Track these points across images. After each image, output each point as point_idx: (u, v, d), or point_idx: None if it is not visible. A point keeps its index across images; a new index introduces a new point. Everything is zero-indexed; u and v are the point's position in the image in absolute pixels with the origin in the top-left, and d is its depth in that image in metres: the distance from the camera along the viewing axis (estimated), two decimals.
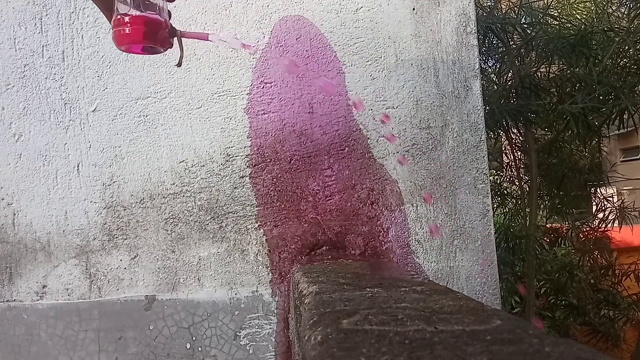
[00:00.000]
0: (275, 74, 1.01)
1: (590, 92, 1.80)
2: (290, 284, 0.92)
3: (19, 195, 1.00)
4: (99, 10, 0.65)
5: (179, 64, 0.69)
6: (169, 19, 0.65)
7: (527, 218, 2.21)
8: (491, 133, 2.21)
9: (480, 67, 1.09)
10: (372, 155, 1.02)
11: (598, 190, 2.63)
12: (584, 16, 2.18)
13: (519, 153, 2.51)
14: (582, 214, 2.61)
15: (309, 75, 1.01)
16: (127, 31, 0.59)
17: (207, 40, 0.70)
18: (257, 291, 0.99)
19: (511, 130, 2.30)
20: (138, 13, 0.59)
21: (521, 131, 2.25)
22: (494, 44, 2.27)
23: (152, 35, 0.60)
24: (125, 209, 1.00)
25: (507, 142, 2.51)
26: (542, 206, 2.52)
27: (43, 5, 1.01)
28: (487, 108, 1.91)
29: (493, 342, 0.31)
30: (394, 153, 1.03)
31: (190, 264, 1.00)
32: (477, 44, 1.06)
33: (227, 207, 1.00)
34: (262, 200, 1.00)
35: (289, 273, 0.98)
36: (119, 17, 0.59)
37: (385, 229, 1.01)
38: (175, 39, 0.66)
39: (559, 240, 2.56)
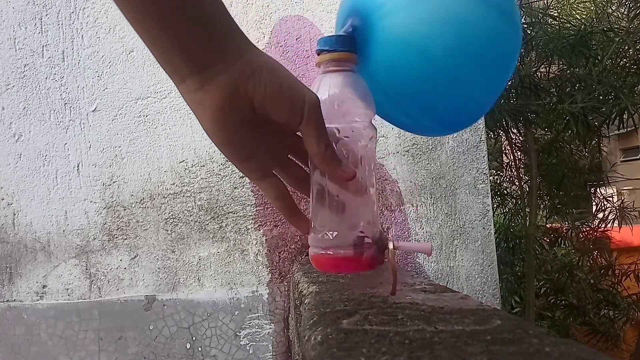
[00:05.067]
0: None
1: (590, 92, 1.80)
2: (290, 284, 0.92)
3: (19, 195, 1.00)
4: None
5: (392, 292, 0.46)
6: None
7: (527, 218, 2.21)
8: (491, 133, 2.21)
9: None
10: None
11: (598, 190, 2.63)
12: (584, 16, 2.17)
13: (519, 153, 2.50)
14: (582, 214, 2.60)
15: (309, 75, 1.01)
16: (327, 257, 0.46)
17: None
18: (257, 291, 0.99)
19: (511, 130, 2.30)
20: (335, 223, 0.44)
21: (521, 131, 2.25)
22: None
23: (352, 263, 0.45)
24: (125, 209, 1.00)
25: (507, 142, 2.50)
26: (542, 206, 2.52)
27: (43, 5, 1.01)
28: None
29: (493, 342, 0.31)
30: (394, 153, 1.03)
31: (190, 264, 1.00)
32: None
33: (227, 207, 1.00)
34: (262, 200, 1.00)
35: (289, 273, 0.98)
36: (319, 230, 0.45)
37: (385, 229, 1.01)
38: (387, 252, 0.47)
39: (559, 240, 2.56)
